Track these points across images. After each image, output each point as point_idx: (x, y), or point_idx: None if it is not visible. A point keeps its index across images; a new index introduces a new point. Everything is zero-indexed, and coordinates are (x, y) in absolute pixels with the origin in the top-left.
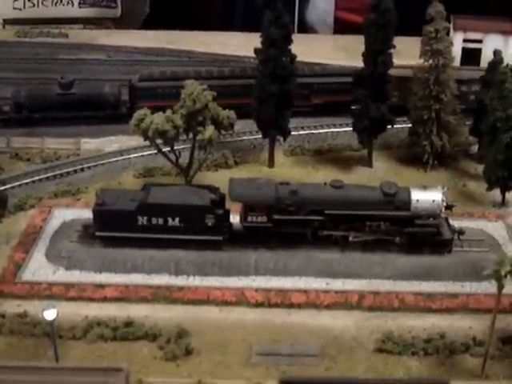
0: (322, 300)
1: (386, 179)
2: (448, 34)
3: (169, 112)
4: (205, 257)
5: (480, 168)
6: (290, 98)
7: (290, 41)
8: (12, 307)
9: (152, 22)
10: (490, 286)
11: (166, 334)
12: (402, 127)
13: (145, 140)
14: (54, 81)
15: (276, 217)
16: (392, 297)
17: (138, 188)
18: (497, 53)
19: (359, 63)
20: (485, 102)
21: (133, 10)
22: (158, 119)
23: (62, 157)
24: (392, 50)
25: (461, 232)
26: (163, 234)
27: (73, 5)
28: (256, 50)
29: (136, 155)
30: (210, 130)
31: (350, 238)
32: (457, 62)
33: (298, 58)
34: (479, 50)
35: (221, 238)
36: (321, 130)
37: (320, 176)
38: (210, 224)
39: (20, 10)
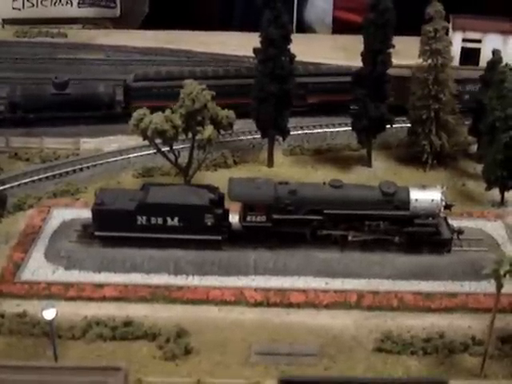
0: (321, 299)
1: (385, 179)
2: (447, 33)
3: (168, 112)
4: (204, 256)
5: (479, 167)
6: (289, 98)
7: (289, 40)
8: (11, 307)
9: (151, 22)
10: (489, 286)
11: (166, 333)
12: (401, 127)
13: (144, 140)
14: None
15: (275, 216)
16: (391, 296)
17: (137, 188)
18: (496, 52)
19: (358, 63)
20: (484, 101)
21: (132, 9)
22: (157, 119)
23: (61, 157)
24: (391, 50)
25: (460, 231)
26: (162, 233)
27: (72, 5)
28: (255, 50)
29: (135, 155)
30: (209, 130)
31: (349, 238)
32: (456, 62)
33: (298, 58)
34: (478, 50)
35: (220, 237)
36: (320, 130)
37: (319, 176)
38: (209, 224)
39: (19, 9)
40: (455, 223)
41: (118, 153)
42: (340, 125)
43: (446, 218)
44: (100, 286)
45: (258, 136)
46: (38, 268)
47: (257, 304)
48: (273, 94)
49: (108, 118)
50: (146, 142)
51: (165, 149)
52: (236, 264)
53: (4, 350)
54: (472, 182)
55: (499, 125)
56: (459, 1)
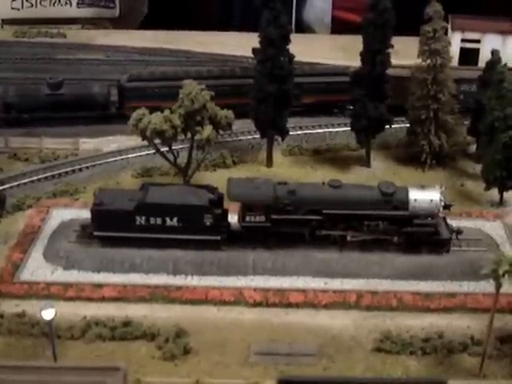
0: (320, 299)
1: (384, 179)
2: (446, 33)
3: (167, 112)
4: (203, 256)
5: (478, 167)
6: (288, 98)
7: (288, 40)
8: (10, 307)
9: (150, 22)
10: (487, 286)
11: (165, 333)
12: (400, 127)
13: (143, 140)
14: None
15: (274, 216)
16: (390, 296)
17: (137, 188)
18: (495, 52)
19: (358, 63)
20: (483, 101)
21: (131, 10)
22: (156, 119)
23: (60, 157)
24: (390, 50)
25: (459, 231)
26: (161, 233)
27: (71, 5)
28: (254, 50)
29: (134, 155)
30: (208, 130)
31: (348, 238)
32: (455, 62)
33: (297, 58)
34: (477, 50)
35: (219, 237)
36: (319, 130)
37: (318, 176)
38: (208, 224)
39: (18, 9)
40: (454, 223)
41: (117, 153)
42: (339, 125)
43: (444, 218)
44: (99, 286)
45: (257, 136)
46: (37, 268)
47: (256, 304)
48: (272, 94)
49: (102, 119)
50: (145, 142)
51: (164, 149)
52: (235, 264)
53: (3, 350)
54: (471, 181)
55: (498, 125)
56: (458, 1)
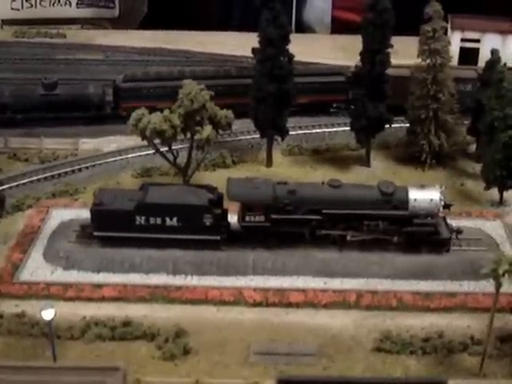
0: (320, 299)
1: (384, 178)
2: (446, 33)
3: (166, 112)
4: (203, 256)
5: (478, 167)
6: (287, 98)
7: (287, 40)
8: (10, 307)
9: (150, 22)
10: (488, 285)
11: (164, 333)
12: (399, 126)
13: (143, 140)
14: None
15: (274, 216)
16: (390, 296)
17: (136, 188)
18: (494, 52)
19: (357, 63)
20: (483, 101)
21: (131, 10)
22: (156, 119)
23: (60, 157)
24: (390, 50)
25: (459, 231)
26: (161, 233)
27: (70, 5)
28: (254, 50)
29: (134, 155)
30: (207, 130)
31: (348, 238)
32: (454, 62)
33: (296, 58)
34: (477, 50)
35: (219, 237)
36: (319, 130)
37: (318, 175)
38: (208, 224)
39: (18, 10)
40: (454, 223)
41: (116, 153)
42: (339, 125)
43: (444, 218)
44: (99, 286)
45: (257, 136)
46: (36, 268)
47: (256, 304)
48: (271, 94)
49: (98, 119)
50: (145, 142)
51: (163, 149)
52: (235, 264)
53: (3, 351)
54: (471, 181)
55: (498, 124)
56: (458, 1)
